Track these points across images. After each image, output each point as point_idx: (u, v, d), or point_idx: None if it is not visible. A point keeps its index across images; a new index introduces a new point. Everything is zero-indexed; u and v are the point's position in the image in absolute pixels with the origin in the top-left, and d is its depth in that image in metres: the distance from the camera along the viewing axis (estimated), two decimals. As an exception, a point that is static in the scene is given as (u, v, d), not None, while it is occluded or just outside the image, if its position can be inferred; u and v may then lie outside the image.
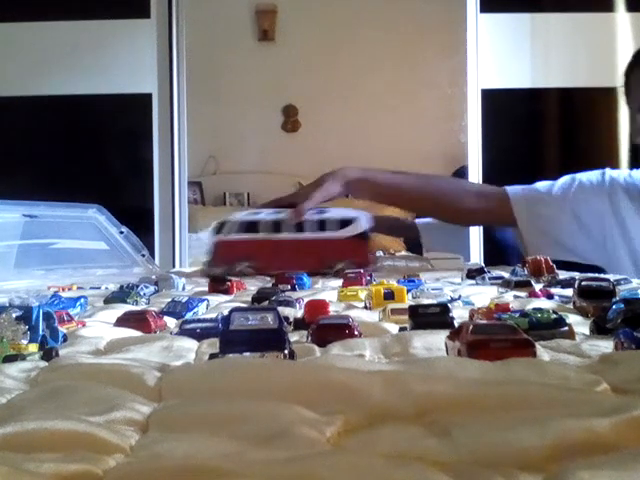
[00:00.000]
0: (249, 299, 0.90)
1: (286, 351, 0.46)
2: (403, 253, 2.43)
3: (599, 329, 0.59)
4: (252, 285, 1.16)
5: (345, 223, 1.53)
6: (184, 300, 0.81)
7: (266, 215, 1.49)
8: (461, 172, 2.88)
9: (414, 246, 2.26)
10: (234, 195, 4.08)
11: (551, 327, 0.56)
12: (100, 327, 0.68)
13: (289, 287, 1.04)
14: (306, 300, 0.77)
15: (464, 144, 2.62)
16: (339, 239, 1.50)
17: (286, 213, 1.48)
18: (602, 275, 1.02)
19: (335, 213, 1.54)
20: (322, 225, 1.51)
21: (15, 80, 2.57)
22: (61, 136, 2.63)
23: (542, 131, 2.63)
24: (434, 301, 0.80)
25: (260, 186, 4.06)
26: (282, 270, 1.17)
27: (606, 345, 0.52)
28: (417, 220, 1.86)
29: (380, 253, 1.95)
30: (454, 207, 1.60)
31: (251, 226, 1.46)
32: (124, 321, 0.67)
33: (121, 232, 1.64)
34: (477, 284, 1.08)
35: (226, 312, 0.52)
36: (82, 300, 0.86)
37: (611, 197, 1.51)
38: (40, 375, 0.44)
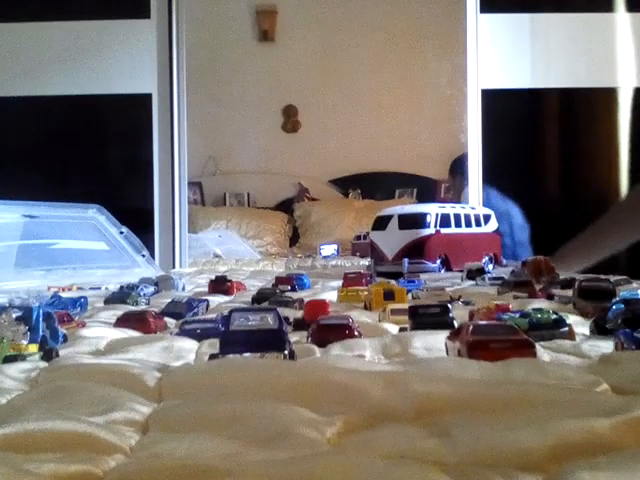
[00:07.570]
0: (249, 299, 0.90)
1: (286, 351, 0.46)
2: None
3: (599, 329, 0.59)
4: (252, 285, 1.16)
5: (486, 219, 1.57)
6: (184, 300, 0.81)
7: (450, 209, 1.50)
8: (460, 161, 2.89)
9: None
10: (234, 195, 4.08)
11: (551, 328, 0.56)
12: (100, 327, 0.68)
13: (289, 287, 1.04)
14: (306, 300, 0.77)
15: (464, 144, 2.62)
16: (488, 233, 1.55)
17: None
18: (602, 275, 1.02)
19: (478, 210, 1.56)
20: (468, 220, 1.52)
21: (15, 80, 2.57)
22: (61, 136, 2.62)
23: (542, 131, 2.63)
24: (434, 301, 0.80)
25: (260, 186, 4.05)
26: (464, 262, 1.19)
27: (606, 345, 0.52)
28: None
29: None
30: None
31: (445, 220, 1.46)
32: (124, 321, 0.67)
33: (121, 232, 1.64)
34: (477, 284, 1.08)
35: (226, 312, 0.52)
36: (82, 300, 0.86)
37: None
38: (40, 375, 0.44)
